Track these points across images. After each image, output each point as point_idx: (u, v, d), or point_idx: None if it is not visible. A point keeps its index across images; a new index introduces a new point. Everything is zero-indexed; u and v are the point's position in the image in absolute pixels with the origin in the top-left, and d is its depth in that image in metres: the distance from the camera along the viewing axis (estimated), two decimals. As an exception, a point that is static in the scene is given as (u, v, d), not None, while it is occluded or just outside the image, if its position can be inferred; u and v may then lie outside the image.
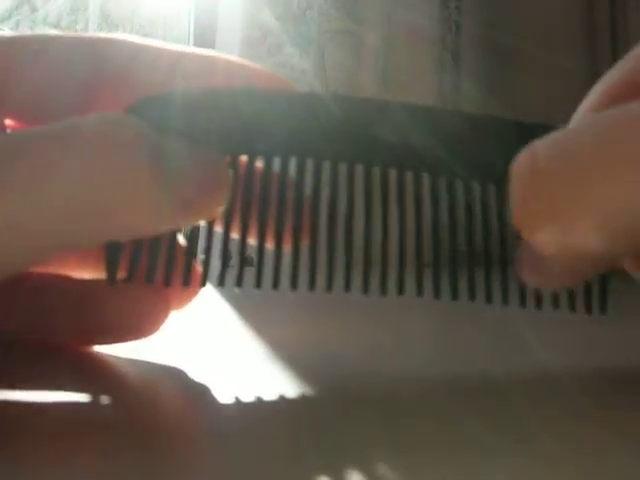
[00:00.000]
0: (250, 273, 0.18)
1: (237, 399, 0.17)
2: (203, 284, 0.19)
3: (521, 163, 0.15)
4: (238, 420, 0.16)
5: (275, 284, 0.18)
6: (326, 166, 0.18)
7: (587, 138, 0.14)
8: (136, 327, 0.19)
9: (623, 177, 0.14)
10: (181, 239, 0.19)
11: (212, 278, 0.19)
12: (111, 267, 0.18)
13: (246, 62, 0.20)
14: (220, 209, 0.17)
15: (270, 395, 0.17)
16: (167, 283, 0.18)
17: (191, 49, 0.19)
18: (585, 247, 0.15)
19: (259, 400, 0.17)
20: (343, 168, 0.18)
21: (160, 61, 0.19)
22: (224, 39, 0.53)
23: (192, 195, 0.16)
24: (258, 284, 0.18)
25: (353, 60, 0.51)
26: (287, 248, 0.18)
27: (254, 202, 0.18)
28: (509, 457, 0.13)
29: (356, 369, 0.20)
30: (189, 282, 0.18)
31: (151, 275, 0.18)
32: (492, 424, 0.15)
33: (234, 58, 0.20)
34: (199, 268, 0.19)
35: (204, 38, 0.54)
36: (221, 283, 0.18)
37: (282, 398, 0.17)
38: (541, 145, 0.15)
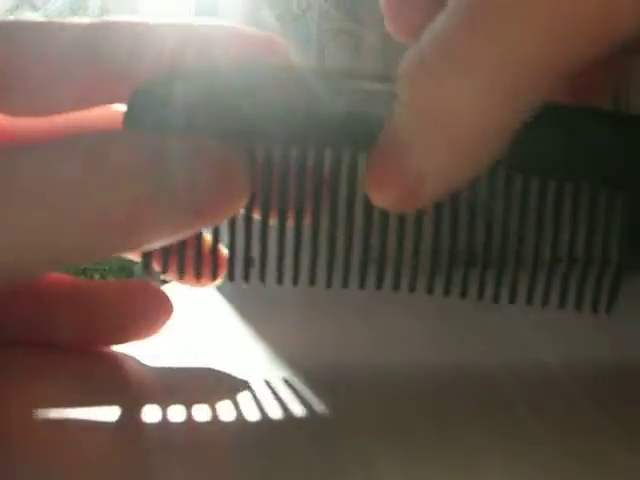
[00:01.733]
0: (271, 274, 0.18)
1: (239, 400, 0.17)
2: (231, 278, 0.19)
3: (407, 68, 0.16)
4: (240, 422, 0.16)
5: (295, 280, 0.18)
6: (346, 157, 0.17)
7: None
8: (137, 328, 0.19)
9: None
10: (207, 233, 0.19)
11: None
12: (146, 258, 0.18)
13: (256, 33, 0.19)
14: (240, 205, 0.16)
15: (273, 395, 0.17)
16: (198, 275, 0.18)
17: (195, 29, 0.19)
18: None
19: (261, 401, 0.17)
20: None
21: (162, 45, 0.18)
22: (224, 39, 0.53)
23: (204, 202, 0.16)
24: (279, 280, 0.18)
25: (353, 60, 0.51)
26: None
27: (273, 193, 0.17)
28: (510, 459, 0.13)
29: (358, 370, 0.20)
30: (217, 275, 0.19)
31: (182, 268, 0.18)
32: (492, 424, 0.15)
33: (239, 28, 0.19)
34: (225, 260, 0.19)
35: (204, 38, 0.53)
36: (246, 278, 0.18)
37: (284, 399, 0.17)
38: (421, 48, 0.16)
